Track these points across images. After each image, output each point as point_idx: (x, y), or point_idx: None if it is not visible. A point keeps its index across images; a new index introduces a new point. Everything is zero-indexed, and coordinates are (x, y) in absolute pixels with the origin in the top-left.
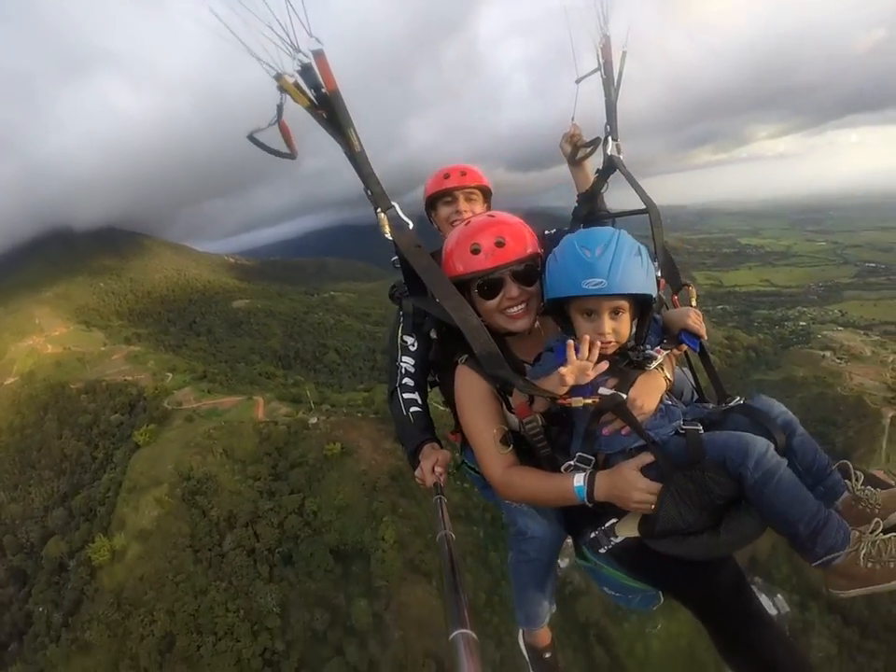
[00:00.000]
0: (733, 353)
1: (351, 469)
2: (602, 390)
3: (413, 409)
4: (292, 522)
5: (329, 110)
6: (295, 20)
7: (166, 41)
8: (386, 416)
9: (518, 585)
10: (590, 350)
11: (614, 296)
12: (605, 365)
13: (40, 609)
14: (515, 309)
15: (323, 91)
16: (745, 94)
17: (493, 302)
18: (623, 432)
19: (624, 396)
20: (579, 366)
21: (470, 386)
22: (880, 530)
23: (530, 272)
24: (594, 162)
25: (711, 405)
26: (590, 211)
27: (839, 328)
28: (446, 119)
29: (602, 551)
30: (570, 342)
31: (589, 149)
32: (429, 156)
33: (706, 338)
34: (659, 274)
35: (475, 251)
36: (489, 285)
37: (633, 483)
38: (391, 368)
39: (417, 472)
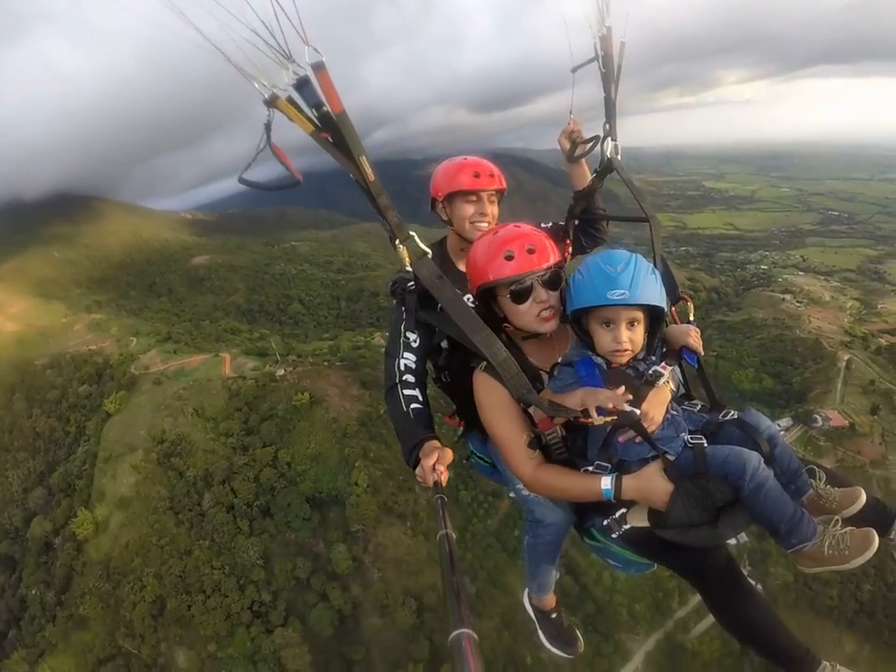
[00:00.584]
0: (695, 294)
1: (321, 418)
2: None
3: (413, 405)
4: (267, 474)
5: (336, 135)
6: (285, 22)
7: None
8: (353, 363)
9: (533, 563)
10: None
11: (632, 307)
12: (624, 394)
13: (33, 591)
14: (545, 312)
15: (325, 109)
16: (715, 38)
17: (525, 307)
18: (637, 441)
19: (638, 412)
20: (605, 398)
21: (493, 394)
22: (839, 526)
23: (555, 277)
24: (592, 159)
25: (700, 404)
26: (585, 209)
27: (800, 272)
28: (405, 60)
29: (614, 536)
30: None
31: (588, 147)
32: (388, 98)
33: (702, 355)
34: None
35: (509, 258)
36: (520, 290)
37: (658, 483)
38: (390, 364)
39: (418, 471)
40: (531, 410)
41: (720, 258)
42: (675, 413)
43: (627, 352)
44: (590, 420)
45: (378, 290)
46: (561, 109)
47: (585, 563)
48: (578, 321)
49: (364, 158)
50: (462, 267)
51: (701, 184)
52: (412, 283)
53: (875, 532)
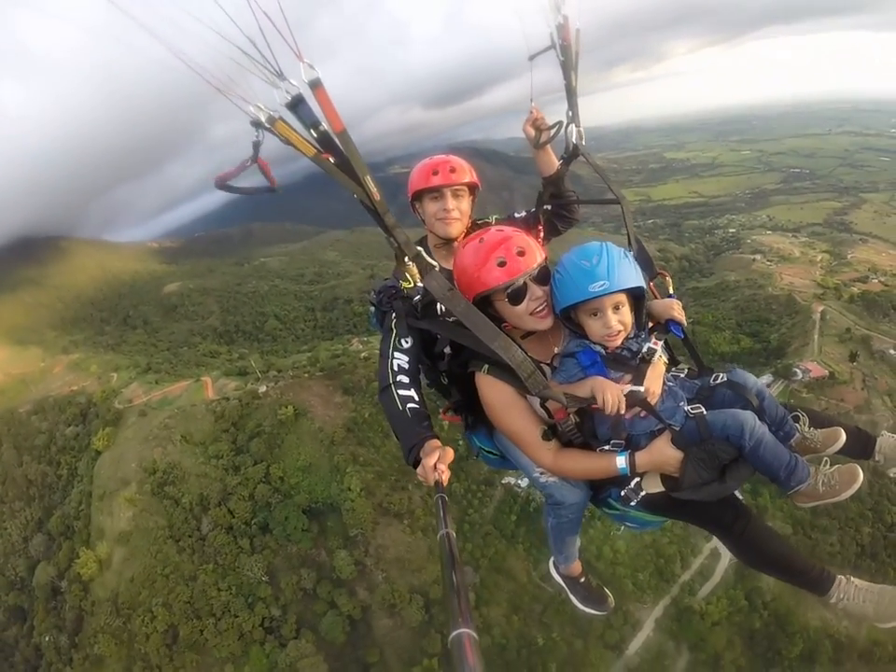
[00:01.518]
0: (666, 264)
1: (307, 429)
2: (624, 388)
3: (410, 405)
4: (262, 491)
5: (338, 154)
6: (275, 36)
7: (42, 26)
8: (333, 371)
9: (557, 540)
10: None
11: (614, 293)
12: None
13: (46, 638)
14: (541, 310)
15: (323, 129)
16: (660, 11)
17: (521, 307)
18: (642, 416)
19: (642, 389)
20: (615, 399)
21: (501, 394)
22: (828, 465)
23: (545, 273)
24: (557, 144)
25: (686, 368)
26: (554, 194)
27: (768, 231)
28: (355, 65)
29: (633, 503)
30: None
31: (552, 133)
32: (340, 104)
33: (685, 325)
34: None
35: (501, 264)
36: (516, 292)
37: (670, 454)
38: (384, 365)
39: (419, 470)
40: (547, 403)
41: (687, 226)
42: (671, 383)
43: (620, 333)
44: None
45: (352, 297)
46: (517, 97)
47: (584, 540)
48: (567, 317)
49: (369, 177)
50: (441, 262)
51: (662, 156)
52: (417, 297)
53: (858, 467)
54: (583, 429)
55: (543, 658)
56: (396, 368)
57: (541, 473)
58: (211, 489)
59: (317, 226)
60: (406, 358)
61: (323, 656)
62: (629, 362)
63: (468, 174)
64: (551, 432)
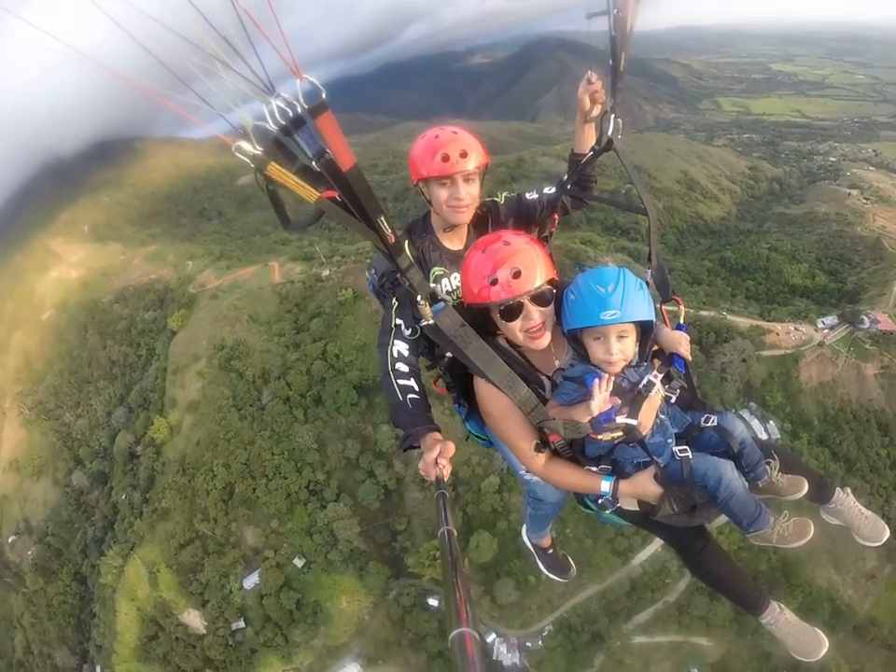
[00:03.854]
0: (756, 184)
1: (364, 311)
2: (619, 419)
3: (410, 395)
4: (318, 367)
5: (347, 192)
6: (264, 44)
7: None
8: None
9: (532, 523)
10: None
11: (620, 323)
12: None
13: (122, 496)
14: (536, 330)
15: (328, 159)
16: None
17: (514, 324)
18: (631, 445)
19: (636, 422)
20: (603, 399)
21: (498, 403)
22: (786, 517)
23: (546, 295)
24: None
25: (678, 390)
26: (576, 182)
27: (870, 167)
28: None
29: (608, 511)
30: (596, 381)
31: (605, 113)
32: None
33: (690, 361)
34: (650, 280)
35: (493, 283)
36: (509, 310)
37: (650, 489)
38: (383, 352)
39: (420, 465)
40: (545, 429)
41: (785, 146)
42: (663, 416)
43: (619, 362)
44: (600, 437)
45: None
46: None
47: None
48: (573, 335)
49: (383, 218)
50: (447, 243)
51: (767, 66)
52: (395, 275)
53: (811, 524)
54: (574, 447)
55: None
56: (396, 355)
57: (526, 471)
58: (272, 364)
59: (392, 116)
60: (406, 346)
61: (357, 520)
62: (626, 392)
63: (479, 156)
64: (543, 444)
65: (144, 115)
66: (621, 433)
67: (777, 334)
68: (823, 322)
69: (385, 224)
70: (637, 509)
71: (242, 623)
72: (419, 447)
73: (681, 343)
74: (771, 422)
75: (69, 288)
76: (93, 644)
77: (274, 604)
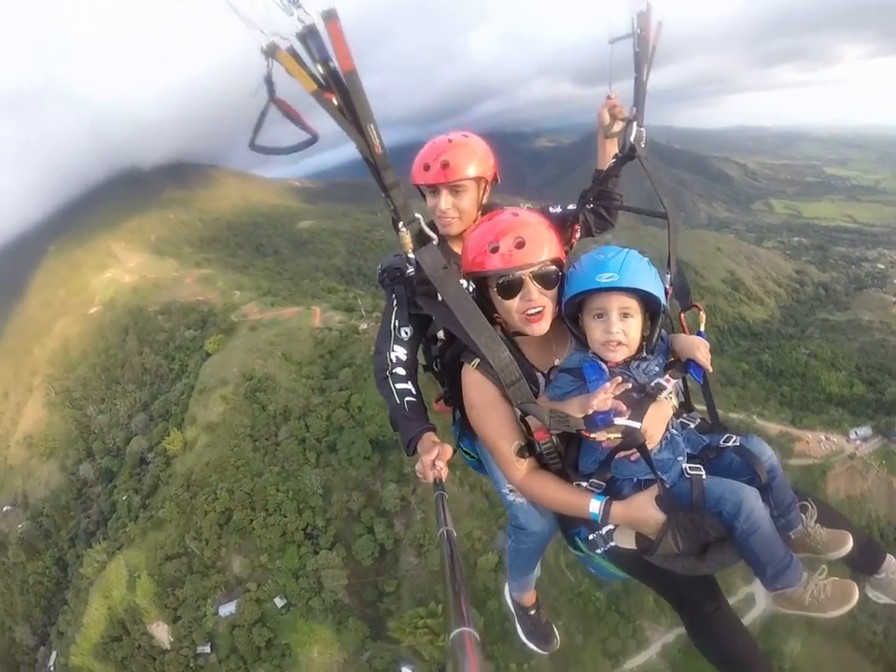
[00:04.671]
0: (801, 288)
1: None
2: (618, 420)
3: (407, 398)
4: (339, 415)
5: (344, 96)
6: None
7: None
8: None
9: (513, 565)
10: (616, 386)
11: (624, 293)
12: (627, 384)
13: (123, 497)
14: (533, 312)
15: (333, 66)
16: (832, 8)
17: (512, 303)
18: (632, 458)
19: (639, 425)
20: (605, 398)
21: (484, 393)
22: (824, 574)
23: (550, 275)
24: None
25: (699, 418)
26: (600, 194)
27: None
28: (506, 29)
29: (599, 551)
30: (607, 385)
31: (626, 126)
32: (492, 70)
33: (710, 371)
34: (669, 286)
35: (493, 250)
36: (509, 284)
37: (650, 515)
38: (380, 359)
39: (418, 467)
40: (528, 418)
41: (834, 252)
42: (675, 431)
43: (621, 345)
44: (593, 436)
45: None
46: (674, 83)
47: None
48: (575, 320)
49: (373, 126)
50: (456, 248)
51: (821, 170)
52: (410, 269)
53: (855, 586)
54: (566, 458)
55: None
56: (394, 360)
57: (510, 491)
58: (295, 403)
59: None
60: (404, 351)
61: (347, 572)
62: (630, 394)
63: (469, 166)
64: (527, 449)
65: (222, 146)
66: (619, 435)
67: (807, 442)
68: (856, 433)
69: (375, 134)
70: (635, 546)
71: (208, 649)
72: None
73: (699, 349)
74: None
75: (120, 290)
76: (56, 629)
77: (245, 637)
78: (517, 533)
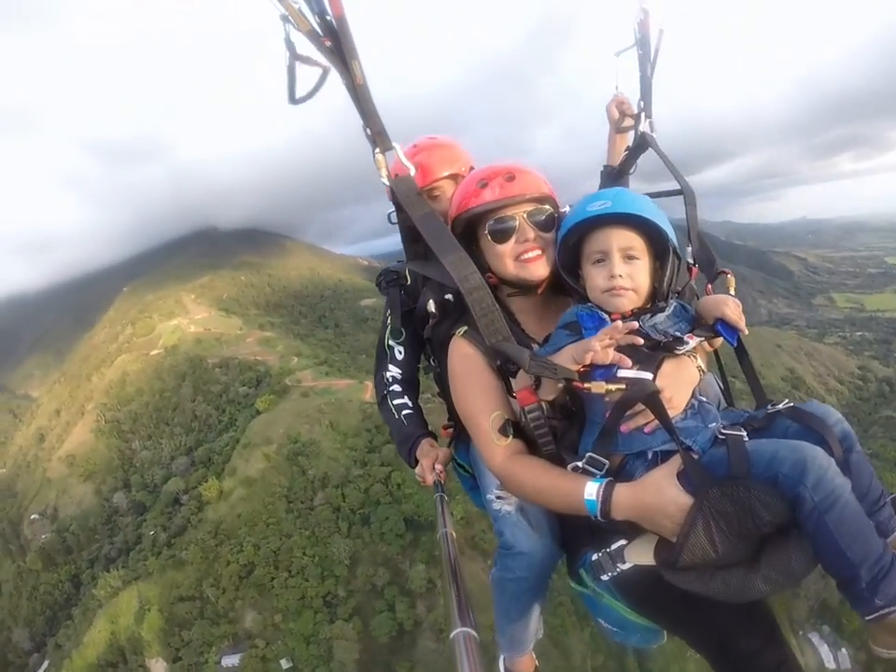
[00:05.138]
0: (864, 384)
1: None
2: (622, 373)
3: (405, 412)
4: (377, 489)
5: (335, 39)
6: None
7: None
8: None
9: (500, 605)
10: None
11: (624, 227)
12: (635, 325)
13: (151, 532)
14: (531, 253)
15: (329, 18)
16: (884, 96)
17: (506, 246)
18: (647, 430)
19: (650, 376)
20: (604, 345)
21: (467, 360)
22: None
23: (546, 214)
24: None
25: (745, 415)
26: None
27: None
28: (569, 125)
29: (604, 578)
30: (610, 328)
31: (635, 120)
32: (554, 164)
33: (745, 332)
34: (692, 262)
35: (482, 186)
36: (501, 223)
37: (670, 497)
38: (378, 379)
39: (417, 470)
40: (513, 381)
41: None
42: (703, 398)
43: (626, 291)
44: (587, 385)
45: None
46: (734, 179)
47: (656, 651)
48: (574, 274)
49: (356, 62)
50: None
51: (883, 260)
52: (392, 210)
53: None
54: (561, 437)
55: None
56: (390, 379)
57: (497, 497)
58: (335, 472)
59: None
60: (399, 370)
61: (360, 647)
62: (640, 347)
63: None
64: (512, 428)
65: (298, 219)
66: (622, 386)
67: None
68: None
69: (358, 67)
70: (653, 562)
71: None
72: None
73: (727, 304)
74: (843, 649)
75: (184, 338)
76: (55, 641)
77: None
78: (503, 556)
